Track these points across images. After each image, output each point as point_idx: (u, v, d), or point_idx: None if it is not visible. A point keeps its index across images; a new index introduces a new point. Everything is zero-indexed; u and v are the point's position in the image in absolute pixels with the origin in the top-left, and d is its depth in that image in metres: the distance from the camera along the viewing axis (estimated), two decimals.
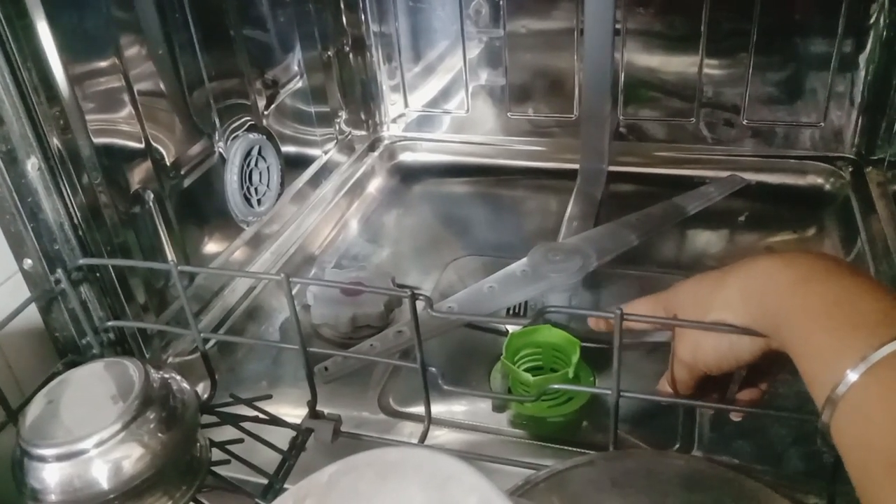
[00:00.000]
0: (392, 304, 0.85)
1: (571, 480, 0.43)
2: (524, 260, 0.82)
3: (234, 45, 0.83)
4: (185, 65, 0.75)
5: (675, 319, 0.52)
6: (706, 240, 0.97)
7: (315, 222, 0.99)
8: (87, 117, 0.62)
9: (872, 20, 0.92)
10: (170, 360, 0.74)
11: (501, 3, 1.04)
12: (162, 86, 0.72)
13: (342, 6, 1.07)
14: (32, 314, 0.62)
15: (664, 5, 0.99)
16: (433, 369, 0.56)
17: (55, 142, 0.58)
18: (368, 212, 1.09)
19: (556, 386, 0.67)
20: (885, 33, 0.92)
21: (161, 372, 0.54)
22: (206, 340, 0.63)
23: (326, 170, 1.05)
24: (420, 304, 0.54)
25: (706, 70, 1.01)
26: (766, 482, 0.42)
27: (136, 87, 0.67)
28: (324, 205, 1.01)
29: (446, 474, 0.33)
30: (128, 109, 0.67)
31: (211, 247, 0.81)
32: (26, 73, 0.55)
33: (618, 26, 1.01)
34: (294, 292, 0.86)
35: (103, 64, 0.65)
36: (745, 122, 1.03)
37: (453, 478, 0.33)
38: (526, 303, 0.84)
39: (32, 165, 0.57)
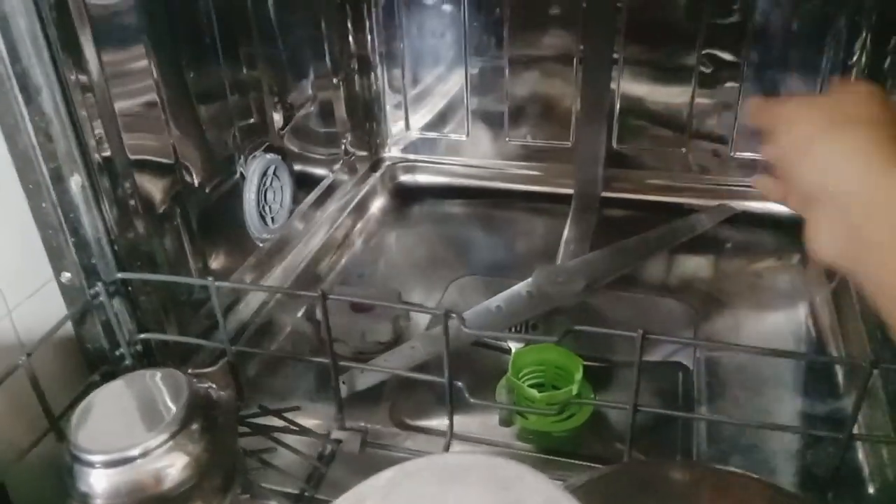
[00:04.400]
0: (400, 321, 0.87)
1: (603, 486, 0.46)
2: (528, 280, 0.86)
3: (256, 71, 0.86)
4: (213, 88, 0.79)
5: (695, 339, 0.55)
6: (695, 264, 1.02)
7: (321, 240, 1.02)
8: (124, 136, 0.65)
9: (855, 58, 0.98)
10: (189, 371, 0.76)
11: (504, 32, 1.08)
12: (192, 108, 0.75)
13: (350, 32, 1.10)
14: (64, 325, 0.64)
15: (661, 38, 1.04)
16: (459, 384, 0.59)
17: (96, 160, 0.61)
18: (371, 231, 1.12)
19: (575, 402, 0.70)
20: (866, 71, 0.98)
21: (202, 383, 0.57)
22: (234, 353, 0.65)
23: (332, 189, 1.08)
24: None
25: (698, 100, 1.06)
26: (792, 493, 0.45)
27: (168, 110, 0.70)
28: (329, 223, 1.04)
29: (509, 477, 0.36)
30: (161, 130, 0.70)
31: (228, 262, 0.83)
32: (77, 95, 0.57)
33: (615, 55, 1.05)
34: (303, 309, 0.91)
35: (141, 86, 0.67)
36: (732, 153, 1.08)
37: (516, 480, 0.36)
38: (527, 321, 0.88)
39: (76, 182, 0.59)
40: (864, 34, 0.96)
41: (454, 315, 0.56)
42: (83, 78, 0.58)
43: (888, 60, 0.95)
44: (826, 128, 0.42)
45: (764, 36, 1.00)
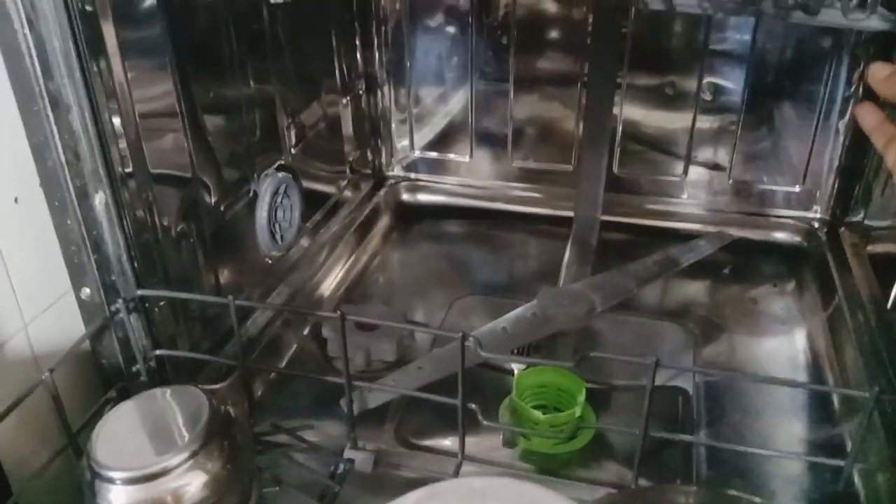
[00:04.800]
0: (405, 340, 0.89)
1: None
2: (534, 302, 0.88)
3: (271, 89, 0.87)
4: (231, 106, 0.80)
5: (703, 368, 0.57)
6: (693, 290, 1.04)
7: (326, 258, 1.03)
8: (147, 155, 0.66)
9: (853, 89, 1.01)
10: (199, 387, 0.76)
11: (510, 55, 1.10)
12: (210, 127, 0.76)
13: (358, 49, 1.12)
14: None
15: (663, 64, 1.07)
16: (472, 406, 0.61)
17: (120, 178, 0.62)
18: (375, 249, 1.13)
19: (586, 426, 0.72)
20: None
21: (223, 402, 0.57)
22: (251, 371, 0.66)
23: (337, 207, 1.09)
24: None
25: (698, 126, 1.09)
26: None
27: (189, 128, 0.71)
28: (334, 241, 1.05)
29: (532, 499, 0.37)
30: (182, 149, 0.71)
31: (238, 278, 0.84)
32: (104, 112, 0.58)
33: (619, 81, 1.08)
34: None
35: (164, 104, 0.68)
36: (730, 181, 1.11)
37: (539, 502, 0.37)
38: (529, 344, 0.89)
39: (100, 200, 0.60)
40: (861, 66, 0.99)
41: (471, 338, 0.58)
42: (111, 98, 0.59)
43: None
44: None
45: (763, 65, 1.03)
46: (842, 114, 1.02)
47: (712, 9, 0.49)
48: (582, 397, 0.75)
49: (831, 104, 1.02)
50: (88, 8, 0.55)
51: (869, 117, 0.56)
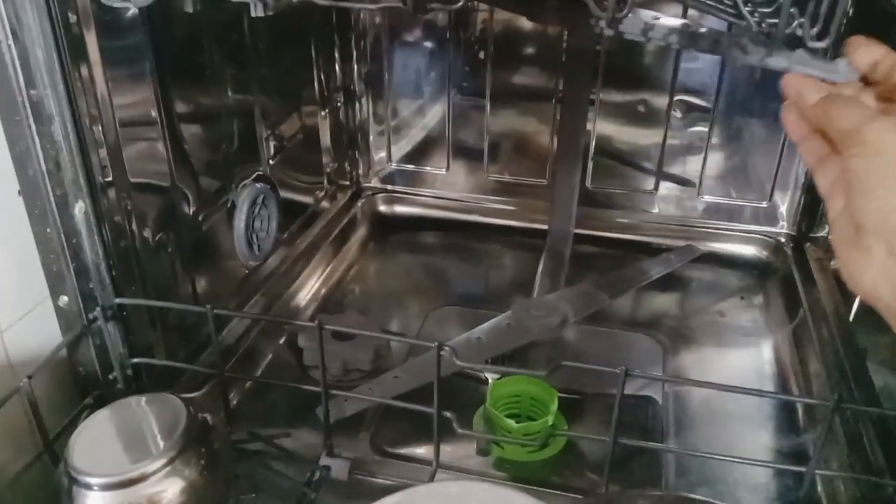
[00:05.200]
0: (381, 350, 0.90)
1: None
2: (508, 313, 0.89)
3: (251, 100, 0.89)
4: (210, 117, 0.81)
5: (670, 377, 0.59)
6: (663, 301, 1.06)
7: (302, 268, 1.03)
8: (126, 165, 0.66)
9: None
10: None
11: (486, 71, 1.12)
12: (190, 137, 0.77)
13: (337, 61, 1.13)
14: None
15: (636, 82, 1.09)
16: (448, 414, 0.62)
17: (100, 187, 0.62)
18: (352, 260, 1.14)
19: (560, 434, 0.73)
20: None
21: (200, 410, 0.58)
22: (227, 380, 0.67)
23: (314, 218, 1.10)
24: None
25: (669, 142, 1.11)
26: None
27: (168, 138, 0.72)
28: (310, 252, 1.06)
29: (509, 502, 0.38)
30: (161, 159, 0.72)
31: (215, 287, 0.84)
32: (85, 122, 0.59)
33: (592, 97, 1.10)
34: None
35: (144, 114, 0.69)
36: (699, 196, 1.14)
37: None
38: (503, 354, 0.90)
39: (80, 209, 0.61)
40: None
41: (447, 347, 0.59)
42: (93, 108, 0.60)
43: None
44: None
45: (733, 84, 1.06)
46: None
47: (684, 45, 0.51)
48: (554, 406, 0.76)
49: None
50: (72, 19, 0.56)
51: (794, 126, 0.48)
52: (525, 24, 1.10)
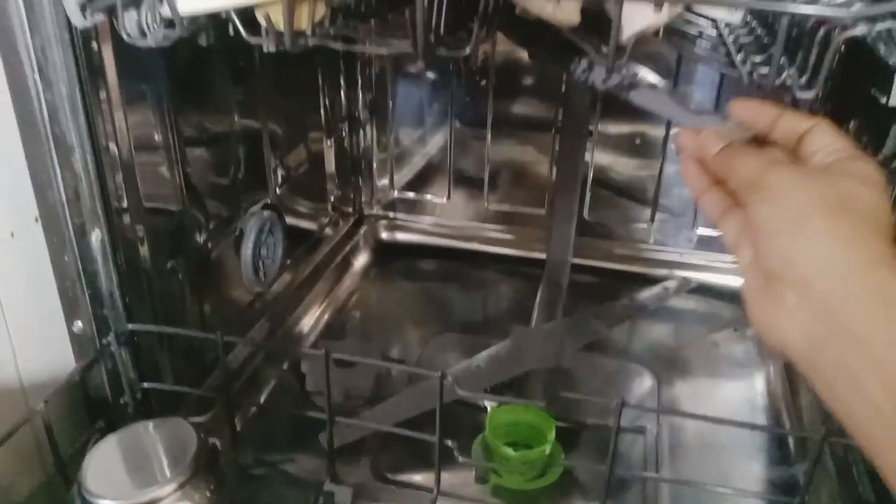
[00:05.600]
0: (382, 376, 0.91)
1: None
2: (507, 342, 0.91)
3: (260, 128, 0.91)
4: (221, 146, 0.83)
5: (666, 409, 0.60)
6: (658, 332, 1.08)
7: (306, 294, 1.05)
8: (142, 195, 0.68)
9: None
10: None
11: (488, 102, 1.15)
12: (202, 168, 0.79)
13: (342, 88, 1.16)
14: (67, 372, 0.67)
15: (634, 115, 1.12)
16: (449, 442, 0.63)
17: (115, 216, 0.64)
18: (354, 286, 1.16)
19: (556, 465, 0.75)
20: None
21: (207, 434, 0.60)
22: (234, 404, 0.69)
23: (318, 244, 1.12)
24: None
25: (665, 174, 1.14)
26: None
27: (181, 168, 0.74)
28: (314, 277, 1.08)
29: None
30: (175, 189, 0.74)
31: (222, 313, 0.86)
32: (105, 156, 0.61)
33: (591, 128, 1.12)
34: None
35: (159, 144, 0.71)
36: (694, 227, 1.16)
37: None
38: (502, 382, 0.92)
39: (96, 237, 0.63)
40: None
41: (449, 377, 0.61)
42: (111, 139, 0.62)
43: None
44: (822, 210, 0.39)
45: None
46: None
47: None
48: (552, 435, 0.78)
49: None
50: (95, 55, 0.58)
51: (694, 179, 0.48)
52: (526, 55, 1.13)
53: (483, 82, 1.15)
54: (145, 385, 0.68)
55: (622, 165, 1.16)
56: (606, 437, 0.84)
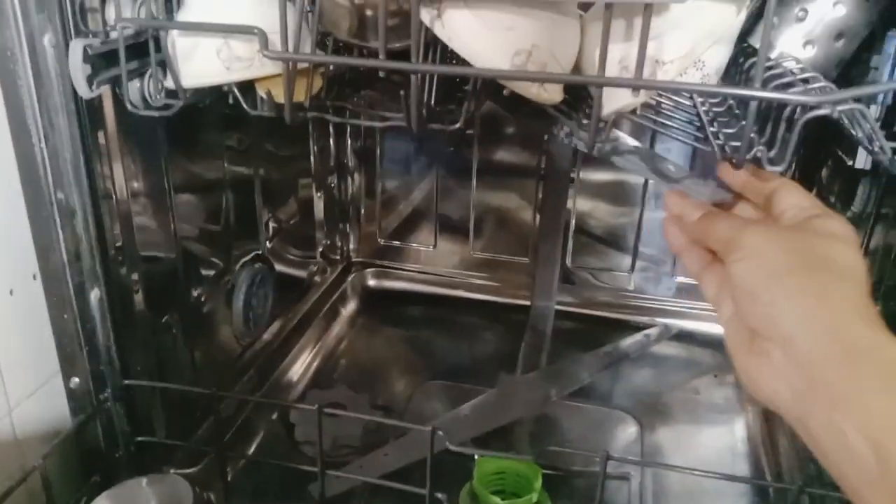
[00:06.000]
0: (370, 426, 0.93)
1: None
2: (493, 391, 0.93)
3: (253, 183, 0.94)
4: (215, 202, 0.86)
5: (650, 461, 0.62)
6: (640, 379, 1.10)
7: (294, 342, 1.07)
8: (140, 254, 0.70)
9: None
10: (172, 470, 0.79)
11: (473, 153, 1.18)
12: (196, 226, 0.81)
13: (332, 141, 1.19)
14: (63, 426, 0.68)
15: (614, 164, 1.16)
16: (440, 496, 0.65)
17: (114, 275, 0.66)
18: (342, 333, 1.18)
19: None
20: None
21: (202, 490, 0.61)
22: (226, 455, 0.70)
23: (306, 292, 1.14)
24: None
25: (644, 222, 1.17)
26: None
27: (177, 225, 0.76)
28: (302, 325, 1.10)
29: None
30: (171, 247, 0.76)
31: (212, 363, 0.88)
32: (106, 219, 0.63)
33: (572, 175, 1.16)
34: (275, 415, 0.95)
35: (157, 205, 0.73)
36: (674, 277, 1.19)
37: None
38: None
39: (95, 295, 0.65)
40: (793, 168, 1.08)
41: (440, 432, 0.63)
42: (111, 201, 0.64)
43: (813, 191, 1.07)
44: (798, 267, 0.41)
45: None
46: None
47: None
48: (539, 484, 0.79)
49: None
50: (99, 124, 0.61)
51: (675, 238, 0.51)
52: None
53: (468, 131, 1.18)
54: (139, 439, 0.69)
55: (602, 212, 1.19)
56: (592, 484, 0.86)
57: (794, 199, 0.47)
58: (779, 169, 0.52)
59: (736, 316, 0.44)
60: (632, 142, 0.61)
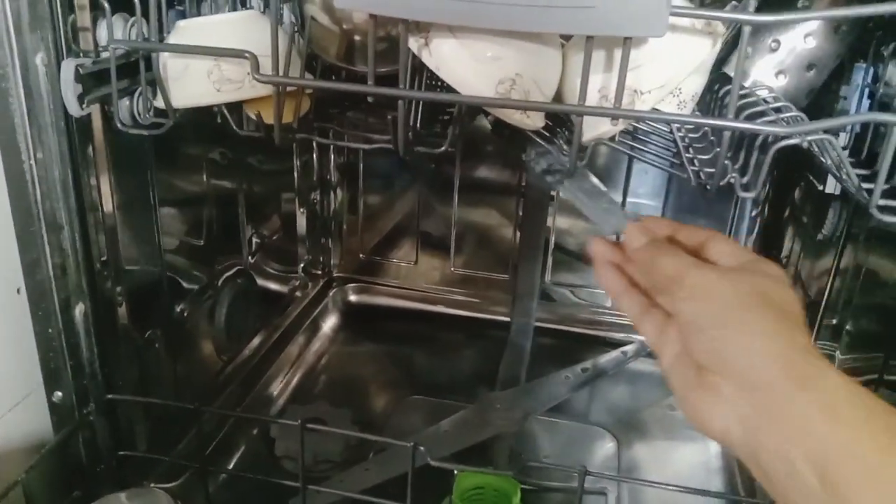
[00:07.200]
0: (350, 441, 0.93)
1: None
2: (473, 407, 0.95)
3: (237, 204, 0.94)
4: (198, 218, 0.86)
5: (627, 477, 0.63)
6: (617, 395, 1.12)
7: (275, 357, 1.08)
8: (125, 269, 0.71)
9: (759, 209, 1.13)
10: (152, 485, 0.79)
11: (454, 170, 1.20)
12: (182, 240, 0.82)
13: (315, 156, 1.20)
14: (45, 440, 0.68)
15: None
16: None
17: (99, 290, 0.67)
18: (322, 348, 1.19)
19: None
20: (768, 222, 1.13)
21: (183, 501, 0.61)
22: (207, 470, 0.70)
23: (287, 307, 1.15)
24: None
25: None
26: None
27: (161, 240, 0.77)
28: (283, 340, 1.11)
29: None
30: (156, 262, 0.77)
31: (194, 378, 0.88)
32: (92, 233, 0.64)
33: (553, 194, 1.17)
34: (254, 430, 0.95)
35: (143, 221, 0.74)
36: None
37: None
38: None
39: (80, 310, 0.65)
40: (767, 189, 1.12)
41: (421, 449, 0.64)
42: (98, 216, 0.65)
43: (787, 212, 1.09)
44: (744, 305, 0.42)
45: (679, 189, 1.15)
46: (749, 231, 1.15)
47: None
48: (517, 499, 0.81)
49: (740, 221, 1.15)
50: (88, 141, 0.62)
51: (612, 282, 0.51)
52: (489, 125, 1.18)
53: (450, 149, 1.19)
54: (121, 453, 0.70)
55: (581, 229, 1.21)
56: (570, 499, 0.88)
57: (728, 249, 0.48)
58: (751, 195, 0.54)
59: (680, 356, 0.45)
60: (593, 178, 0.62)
